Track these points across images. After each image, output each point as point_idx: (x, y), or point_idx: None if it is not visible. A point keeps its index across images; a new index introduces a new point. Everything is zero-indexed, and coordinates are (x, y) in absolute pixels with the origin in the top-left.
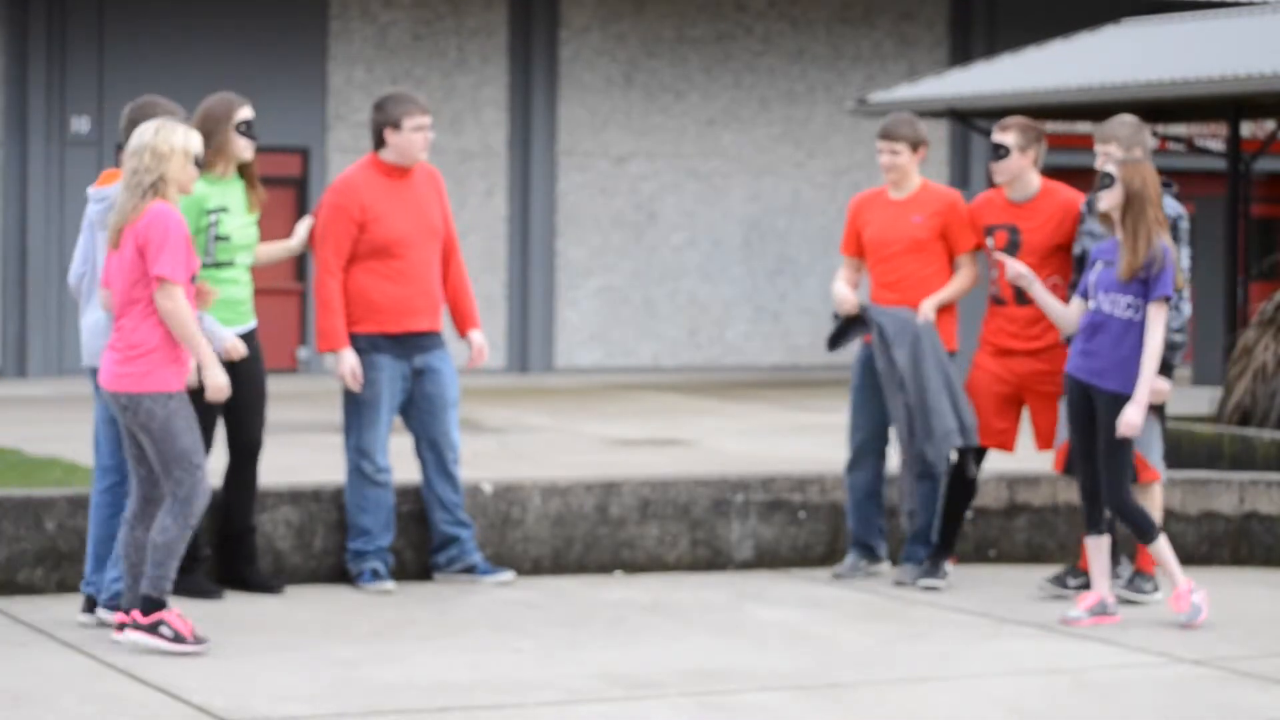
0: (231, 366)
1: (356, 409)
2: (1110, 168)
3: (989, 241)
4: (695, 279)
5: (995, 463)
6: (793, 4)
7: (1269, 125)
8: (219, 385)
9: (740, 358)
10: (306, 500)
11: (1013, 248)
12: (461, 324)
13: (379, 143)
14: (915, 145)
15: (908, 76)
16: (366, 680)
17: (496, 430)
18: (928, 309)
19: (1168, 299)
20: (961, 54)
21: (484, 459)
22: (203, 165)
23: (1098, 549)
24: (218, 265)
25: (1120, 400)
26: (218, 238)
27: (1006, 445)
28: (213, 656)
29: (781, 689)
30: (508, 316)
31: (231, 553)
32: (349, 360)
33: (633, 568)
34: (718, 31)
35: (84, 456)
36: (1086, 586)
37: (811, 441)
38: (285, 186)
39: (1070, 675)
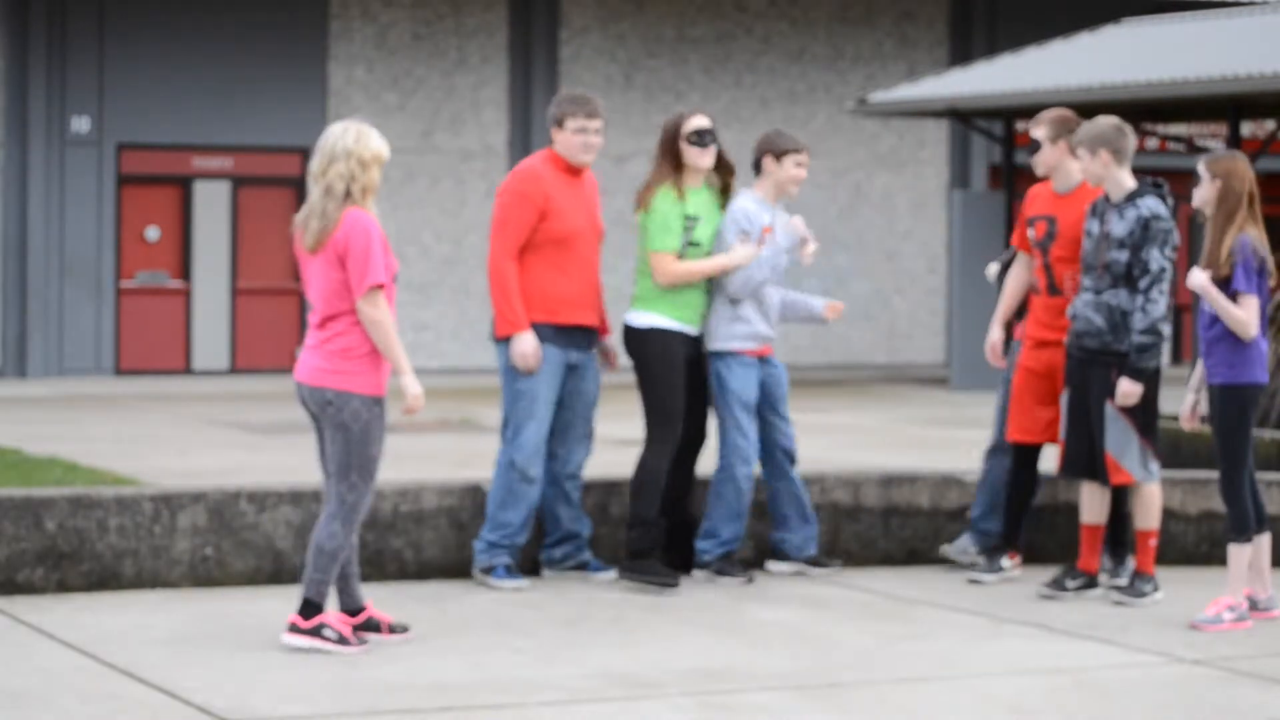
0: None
1: (515, 399)
2: (1199, 164)
3: (1030, 232)
4: None
5: None
6: (793, 4)
7: (1269, 125)
8: (415, 394)
9: None
10: (307, 500)
11: (1049, 238)
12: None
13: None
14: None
15: (908, 76)
16: (366, 680)
17: (498, 429)
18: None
19: (1247, 294)
20: (961, 54)
21: (485, 458)
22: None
23: (1259, 545)
24: None
25: (1225, 391)
26: (690, 244)
27: (1056, 438)
28: (213, 656)
29: (781, 689)
30: None
31: (680, 540)
32: (531, 341)
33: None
34: (718, 31)
35: (84, 456)
36: (1085, 588)
37: (811, 441)
38: (285, 186)
39: (1070, 675)
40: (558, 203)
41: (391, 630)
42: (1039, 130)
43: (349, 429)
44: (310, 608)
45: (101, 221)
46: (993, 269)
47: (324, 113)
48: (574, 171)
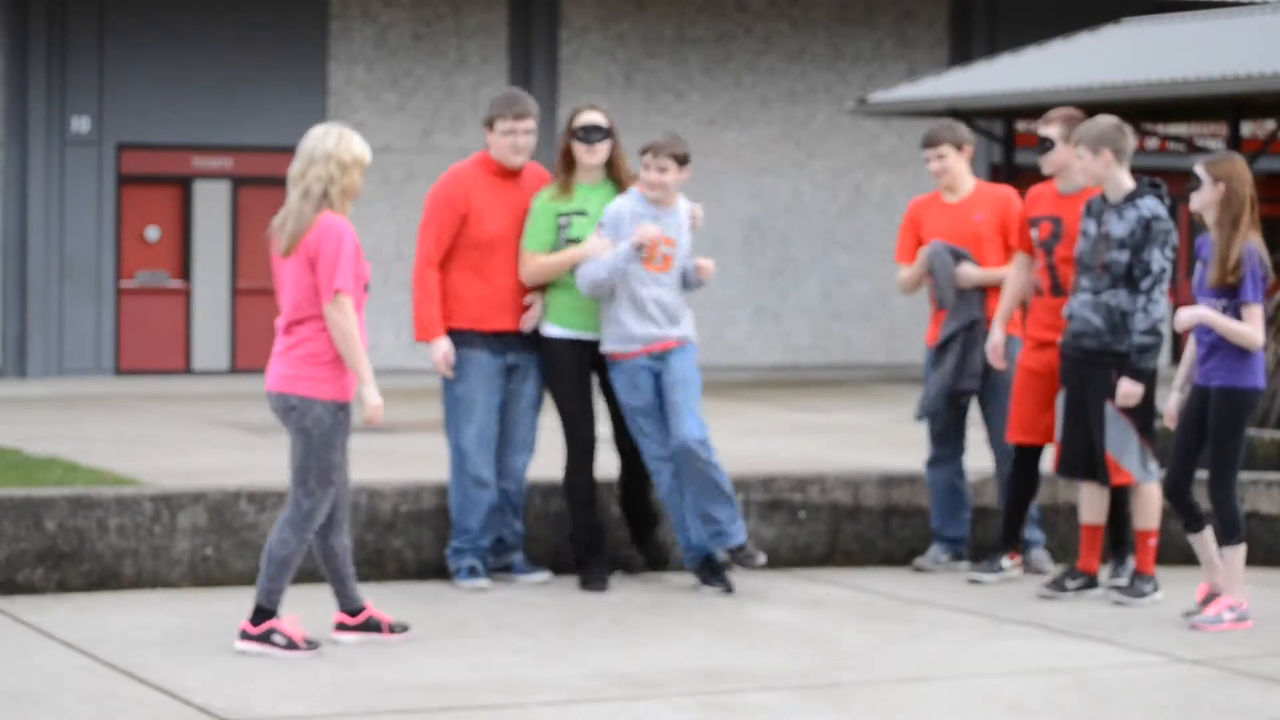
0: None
1: (453, 405)
2: (1198, 168)
3: (1033, 233)
4: None
5: (992, 462)
6: (793, 4)
7: (1269, 125)
8: (374, 405)
9: (740, 358)
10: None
11: (1054, 239)
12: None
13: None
14: (959, 146)
15: (908, 76)
16: (366, 680)
17: None
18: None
19: (1255, 304)
20: (961, 54)
21: None
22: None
23: (1201, 543)
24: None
25: (1223, 394)
26: (568, 240)
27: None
28: (212, 656)
29: (781, 689)
30: None
31: (645, 535)
32: (441, 348)
33: (633, 568)
34: (718, 31)
35: (84, 456)
36: (1085, 588)
37: (811, 441)
38: (285, 186)
39: (1070, 675)
40: (481, 206)
41: (391, 630)
42: (1051, 129)
43: (310, 434)
44: (261, 614)
45: (101, 221)
46: (913, 272)
47: (324, 113)
48: (506, 174)
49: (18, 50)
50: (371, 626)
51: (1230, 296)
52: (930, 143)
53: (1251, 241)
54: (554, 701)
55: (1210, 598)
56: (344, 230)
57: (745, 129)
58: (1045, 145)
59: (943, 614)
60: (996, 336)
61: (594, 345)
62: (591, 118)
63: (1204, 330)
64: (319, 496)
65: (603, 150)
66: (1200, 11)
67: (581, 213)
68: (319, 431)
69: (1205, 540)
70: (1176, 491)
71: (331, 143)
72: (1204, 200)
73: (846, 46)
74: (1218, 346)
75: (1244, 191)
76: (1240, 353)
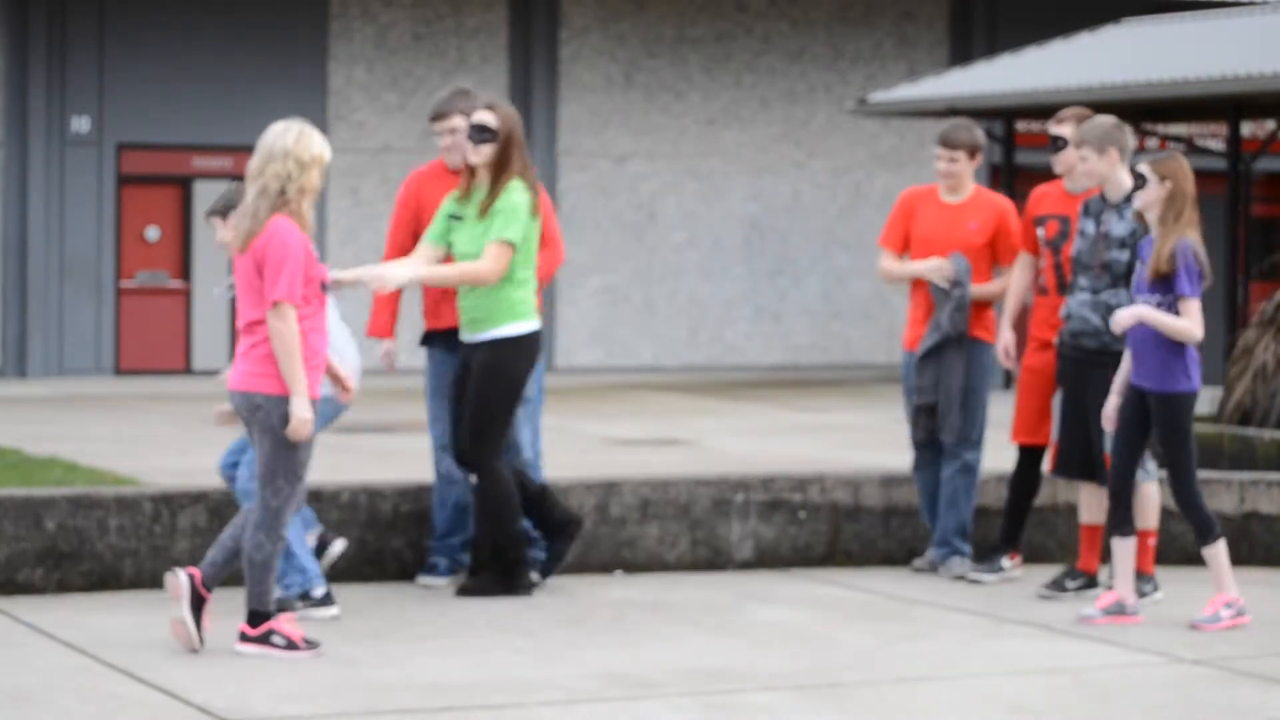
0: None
1: (428, 404)
2: (1143, 167)
3: (1039, 232)
4: (695, 279)
5: (993, 462)
6: (793, 4)
7: (1269, 125)
8: (299, 418)
9: (740, 358)
10: (307, 500)
11: (1061, 238)
12: None
13: None
14: (973, 151)
15: (908, 76)
16: (366, 680)
17: None
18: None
19: (1192, 298)
20: (961, 54)
21: None
22: None
23: (1123, 550)
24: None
25: (1159, 400)
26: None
27: None
28: (213, 656)
29: (781, 689)
30: None
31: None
32: (382, 347)
33: (633, 568)
34: (718, 31)
35: (84, 456)
36: (1085, 588)
37: (811, 441)
38: None
39: (1070, 675)
40: (429, 204)
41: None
42: (1064, 128)
43: (277, 433)
44: (256, 617)
45: (101, 221)
46: (905, 271)
47: (324, 113)
48: (455, 174)
49: (18, 50)
50: (197, 605)
51: (1164, 292)
52: (949, 143)
53: (1188, 238)
54: (554, 701)
55: (1114, 608)
56: (289, 237)
57: (745, 129)
58: (1058, 144)
59: (943, 614)
60: (1006, 337)
61: (468, 346)
62: (479, 116)
63: (1134, 330)
64: (287, 494)
65: (485, 152)
66: (1200, 11)
67: (457, 217)
68: (285, 429)
69: (1128, 549)
70: (1121, 493)
71: (291, 140)
72: (1149, 198)
73: (846, 46)
74: (1145, 345)
75: (1187, 189)
76: (1173, 356)
